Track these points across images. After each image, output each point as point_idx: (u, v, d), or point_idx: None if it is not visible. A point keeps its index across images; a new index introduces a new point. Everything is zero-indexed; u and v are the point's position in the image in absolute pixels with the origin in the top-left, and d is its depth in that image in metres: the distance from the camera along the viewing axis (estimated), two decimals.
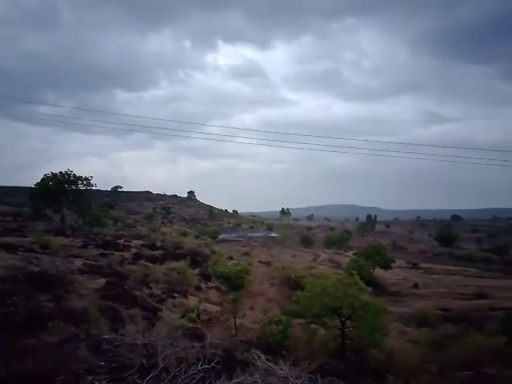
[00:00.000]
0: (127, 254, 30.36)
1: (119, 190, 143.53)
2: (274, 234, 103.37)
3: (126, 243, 37.55)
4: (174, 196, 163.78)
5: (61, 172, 49.97)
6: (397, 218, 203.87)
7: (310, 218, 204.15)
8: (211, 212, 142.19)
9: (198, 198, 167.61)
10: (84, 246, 31.31)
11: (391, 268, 43.99)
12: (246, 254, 54.12)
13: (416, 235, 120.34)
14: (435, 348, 17.29)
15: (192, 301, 20.99)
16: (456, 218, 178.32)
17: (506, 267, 57.86)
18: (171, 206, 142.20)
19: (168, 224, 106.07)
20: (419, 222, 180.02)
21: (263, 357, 7.53)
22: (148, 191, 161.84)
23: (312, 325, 16.62)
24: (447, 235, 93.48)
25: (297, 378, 6.49)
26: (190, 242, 48.75)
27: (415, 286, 38.53)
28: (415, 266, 53.84)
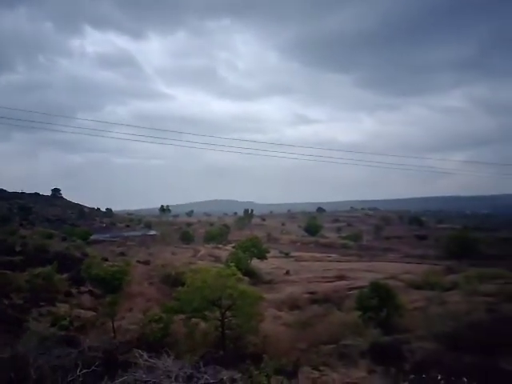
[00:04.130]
0: None
1: None
2: (152, 232, 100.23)
3: None
4: (36, 194, 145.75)
5: None
6: (271, 212, 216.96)
7: (189, 214, 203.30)
8: (81, 211, 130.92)
9: (64, 197, 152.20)
10: None
11: (266, 258, 47.05)
12: (122, 254, 51.61)
13: (287, 227, 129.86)
14: (304, 328, 19.24)
15: (62, 308, 19.41)
16: (320, 209, 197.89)
17: (360, 252, 66.88)
18: (32, 205, 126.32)
19: (28, 226, 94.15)
20: (290, 214, 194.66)
21: (145, 355, 7.59)
22: (2, 189, 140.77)
23: (193, 319, 16.92)
24: (313, 226, 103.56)
25: (180, 369, 6.75)
26: (56, 245, 44.25)
27: (287, 273, 41.89)
28: (287, 255, 58.41)
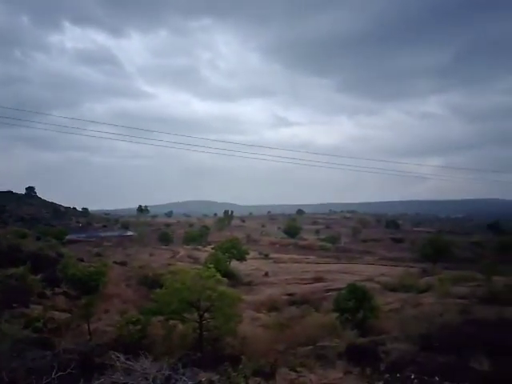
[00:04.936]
0: None
1: None
2: (130, 233, 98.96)
3: None
4: (9, 192, 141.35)
5: None
6: (251, 213, 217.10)
7: (168, 214, 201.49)
8: (56, 210, 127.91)
9: (39, 195, 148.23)
10: None
11: (246, 259, 47.11)
12: (99, 254, 50.72)
13: (267, 228, 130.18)
14: (282, 329, 19.34)
15: (36, 310, 18.94)
16: (300, 211, 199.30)
17: (337, 254, 67.69)
18: (5, 204, 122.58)
19: (1, 225, 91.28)
20: (270, 216, 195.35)
21: (122, 357, 7.51)
22: None
23: (171, 320, 16.79)
24: (292, 228, 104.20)
25: (158, 371, 6.72)
26: (30, 245, 43.04)
27: (266, 274, 42.05)
28: (266, 257, 58.61)
